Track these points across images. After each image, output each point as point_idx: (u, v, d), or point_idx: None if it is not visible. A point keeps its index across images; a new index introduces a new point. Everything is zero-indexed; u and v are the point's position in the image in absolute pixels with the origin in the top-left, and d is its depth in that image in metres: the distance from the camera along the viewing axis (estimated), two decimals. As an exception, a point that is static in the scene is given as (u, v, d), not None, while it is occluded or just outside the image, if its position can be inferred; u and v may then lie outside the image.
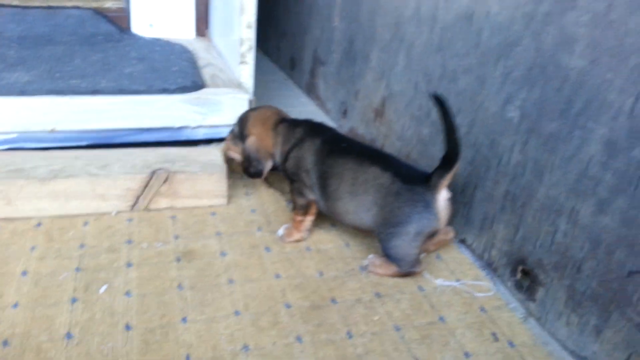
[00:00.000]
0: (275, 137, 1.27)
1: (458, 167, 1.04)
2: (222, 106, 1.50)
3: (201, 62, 1.83)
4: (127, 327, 0.95)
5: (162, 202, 1.33)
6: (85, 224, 1.25)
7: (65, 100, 1.35)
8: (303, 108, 2.17)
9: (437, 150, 1.33)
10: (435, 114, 1.34)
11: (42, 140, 1.38)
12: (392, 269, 1.13)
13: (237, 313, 1.01)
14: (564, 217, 0.96)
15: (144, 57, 1.78)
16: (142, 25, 2.07)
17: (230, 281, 1.10)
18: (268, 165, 1.28)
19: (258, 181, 1.51)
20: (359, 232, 1.30)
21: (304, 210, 1.23)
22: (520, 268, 1.07)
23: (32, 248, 1.15)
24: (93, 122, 1.39)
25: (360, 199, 1.12)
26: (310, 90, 2.27)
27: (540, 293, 1.02)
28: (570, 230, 0.95)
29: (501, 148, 1.11)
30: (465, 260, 1.20)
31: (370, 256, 1.18)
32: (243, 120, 1.31)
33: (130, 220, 1.28)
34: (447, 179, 1.05)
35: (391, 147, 1.56)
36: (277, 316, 1.01)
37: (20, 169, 1.25)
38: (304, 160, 1.20)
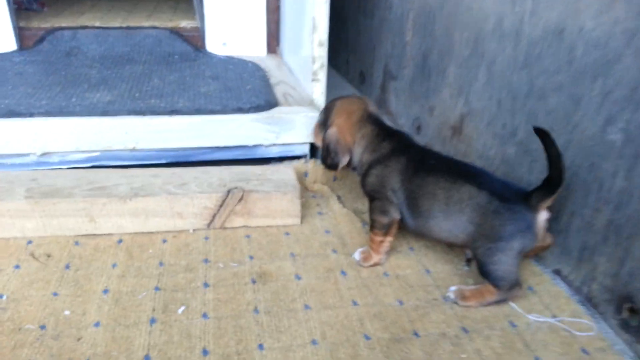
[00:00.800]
0: (358, 134, 1.22)
1: (561, 191, 0.97)
2: (294, 124, 1.48)
3: (273, 80, 1.83)
4: (204, 352, 0.94)
5: (237, 221, 1.32)
6: (164, 241, 1.26)
7: (145, 120, 1.38)
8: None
9: (524, 172, 1.25)
10: (522, 133, 1.25)
11: (122, 158, 1.42)
12: (487, 296, 1.05)
13: (314, 342, 0.97)
14: (682, 253, 0.85)
15: (218, 75, 1.81)
16: (216, 44, 2.11)
17: (306, 307, 1.06)
18: (344, 160, 1.23)
19: (332, 200, 1.47)
20: (441, 257, 1.23)
21: (385, 230, 1.17)
22: (627, 306, 0.97)
23: (114, 265, 1.16)
24: (171, 141, 1.41)
25: (455, 217, 1.06)
26: (381, 105, 2.22)
27: (652, 336, 0.92)
28: (691, 269, 0.84)
29: (602, 172, 1.02)
30: (560, 294, 1.10)
31: (454, 287, 1.11)
32: (329, 109, 1.29)
33: (206, 238, 1.28)
34: (549, 202, 0.99)
35: (470, 167, 1.47)
36: (356, 348, 0.96)
37: (102, 186, 1.28)
38: (389, 179, 1.15)
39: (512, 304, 1.07)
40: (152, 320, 1.01)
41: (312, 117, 1.48)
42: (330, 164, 1.25)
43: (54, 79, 1.66)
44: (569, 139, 1.10)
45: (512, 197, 1.02)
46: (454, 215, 1.06)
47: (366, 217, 1.41)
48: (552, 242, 1.13)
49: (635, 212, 0.95)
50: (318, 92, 1.64)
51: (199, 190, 1.30)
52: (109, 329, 0.98)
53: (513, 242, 1.01)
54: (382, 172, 1.16)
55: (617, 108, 0.98)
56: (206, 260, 1.20)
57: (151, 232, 1.29)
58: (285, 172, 1.43)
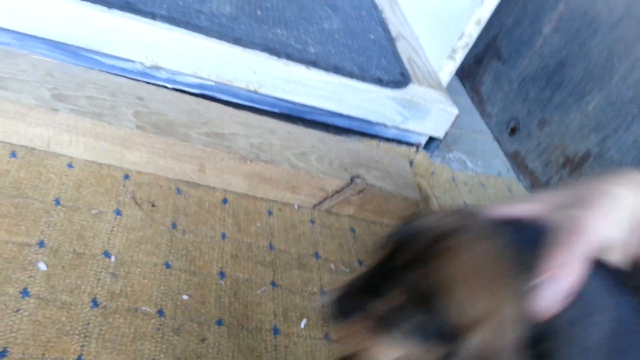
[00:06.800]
0: None
1: None
2: (428, 114, 1.32)
3: (392, 29, 1.60)
4: (333, 389, 0.88)
5: (345, 209, 1.21)
6: (269, 213, 1.14)
7: (280, 66, 1.16)
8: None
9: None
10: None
11: (237, 96, 1.21)
12: None
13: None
14: None
15: (336, 5, 1.55)
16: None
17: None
18: None
19: (430, 201, 1.38)
20: None
21: None
22: None
23: (223, 235, 1.04)
24: (298, 94, 1.21)
25: None
26: (466, 78, 2.05)
27: None
28: None
29: None
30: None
31: None
32: (439, 293, 0.44)
33: (312, 221, 1.17)
34: None
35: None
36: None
37: (219, 133, 1.11)
38: None
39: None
40: (275, 331, 0.92)
41: (448, 113, 1.32)
42: None
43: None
44: None
45: None
46: None
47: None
48: None
49: None
50: (447, 72, 1.46)
51: (321, 170, 1.15)
52: (232, 331, 0.89)
53: None
54: None
55: None
56: (316, 255, 1.10)
57: (256, 198, 1.15)
58: (403, 166, 1.30)
